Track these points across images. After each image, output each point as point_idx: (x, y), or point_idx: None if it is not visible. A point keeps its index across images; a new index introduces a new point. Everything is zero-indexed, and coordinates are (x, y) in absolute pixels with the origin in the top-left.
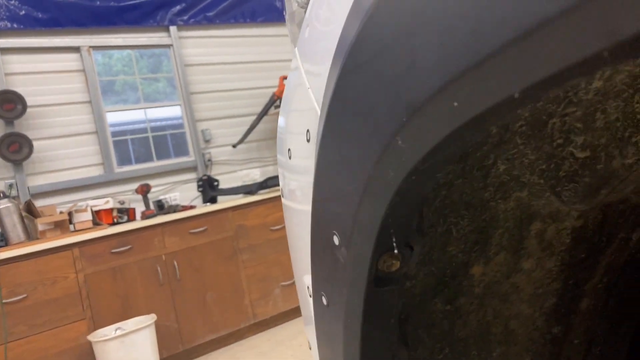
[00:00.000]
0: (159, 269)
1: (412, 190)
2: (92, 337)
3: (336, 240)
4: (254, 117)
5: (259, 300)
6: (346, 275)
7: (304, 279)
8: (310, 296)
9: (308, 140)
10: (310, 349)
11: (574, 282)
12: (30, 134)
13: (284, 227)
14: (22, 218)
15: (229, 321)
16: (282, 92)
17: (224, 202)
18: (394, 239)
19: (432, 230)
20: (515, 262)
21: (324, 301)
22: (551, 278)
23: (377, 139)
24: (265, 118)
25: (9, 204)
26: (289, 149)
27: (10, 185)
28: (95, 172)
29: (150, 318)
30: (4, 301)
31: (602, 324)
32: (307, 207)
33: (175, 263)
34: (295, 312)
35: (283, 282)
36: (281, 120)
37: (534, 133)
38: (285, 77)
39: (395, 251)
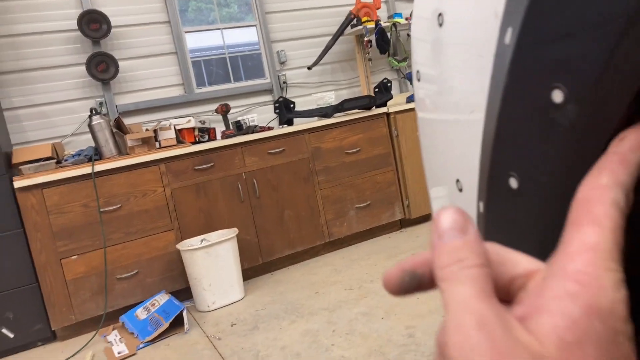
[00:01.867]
0: (239, 186)
1: None
2: (180, 246)
3: (558, 96)
4: (329, 38)
5: (334, 220)
6: (570, 145)
7: (443, 186)
8: (460, 190)
9: None
10: None
11: None
12: (115, 54)
13: (359, 151)
14: (112, 134)
15: (305, 238)
16: (359, 10)
17: (300, 124)
18: None
19: None
20: None
21: (513, 184)
22: None
23: None
24: (340, 39)
25: (101, 120)
26: (439, 14)
27: (101, 104)
28: (176, 92)
29: (233, 232)
30: (101, 210)
31: None
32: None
33: (255, 181)
34: (369, 234)
35: (358, 205)
36: None
37: None
38: None
39: None
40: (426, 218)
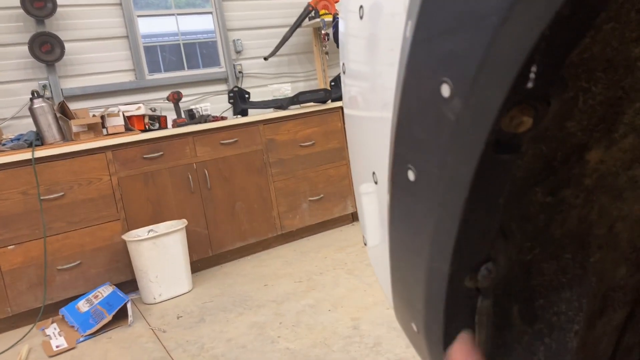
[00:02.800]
0: (190, 176)
1: (574, 17)
2: (126, 237)
3: (446, 90)
4: (287, 29)
5: (287, 213)
6: (455, 137)
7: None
8: (375, 183)
9: None
10: (365, 244)
11: None
12: (61, 35)
13: (313, 144)
14: (56, 119)
15: (257, 231)
16: (317, 2)
17: (254, 115)
18: (534, 78)
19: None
20: None
21: (411, 176)
22: None
23: None
24: (298, 31)
25: (44, 104)
26: (360, 6)
27: (44, 86)
28: (126, 78)
29: (181, 223)
30: (42, 197)
31: None
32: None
33: (206, 172)
34: (321, 227)
35: (311, 197)
36: None
37: None
38: None
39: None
40: None
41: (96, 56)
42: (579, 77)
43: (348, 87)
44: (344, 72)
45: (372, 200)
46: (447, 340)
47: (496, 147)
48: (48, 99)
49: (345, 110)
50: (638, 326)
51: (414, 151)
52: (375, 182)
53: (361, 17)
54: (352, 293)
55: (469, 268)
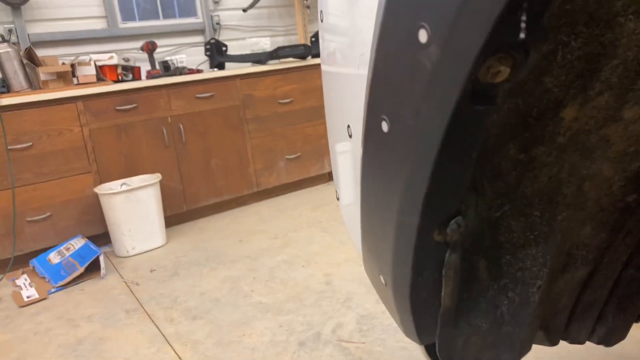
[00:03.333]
0: (164, 130)
1: None
2: (98, 190)
3: (423, 36)
4: None
5: (263, 170)
6: (431, 86)
7: (337, 131)
8: (350, 136)
9: None
10: (337, 199)
11: None
12: None
13: (292, 101)
14: (23, 65)
15: (233, 187)
16: None
17: (231, 69)
18: (522, 25)
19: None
20: (618, 107)
21: (385, 127)
22: None
23: None
24: None
25: (9, 49)
26: None
27: (10, 31)
28: (98, 25)
29: (155, 177)
30: (9, 147)
31: None
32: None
33: (181, 126)
34: (297, 185)
35: (288, 156)
36: None
37: None
38: None
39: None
40: None
41: (65, 0)
42: (560, 29)
43: (326, 41)
44: (321, 21)
45: (346, 154)
46: (414, 292)
47: (472, 97)
48: (14, 44)
49: (323, 67)
50: (598, 284)
51: (388, 101)
52: (350, 136)
53: None
54: (325, 250)
55: (439, 221)
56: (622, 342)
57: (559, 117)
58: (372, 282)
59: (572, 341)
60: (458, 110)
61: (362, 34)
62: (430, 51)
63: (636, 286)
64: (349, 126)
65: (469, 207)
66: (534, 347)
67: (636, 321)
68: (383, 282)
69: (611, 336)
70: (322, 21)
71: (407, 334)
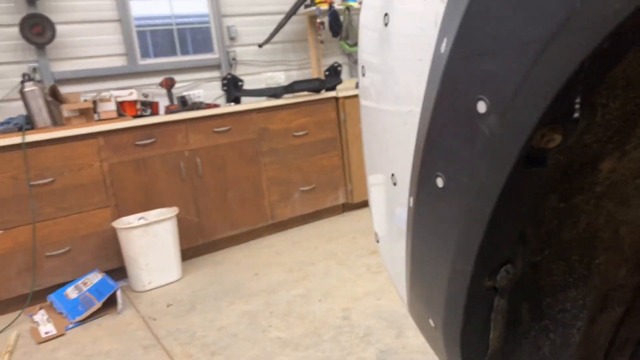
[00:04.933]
0: (181, 164)
1: (613, 46)
2: (116, 224)
3: (482, 107)
4: (282, 16)
5: (278, 202)
6: (488, 150)
7: (379, 176)
8: (394, 184)
9: None
10: (377, 242)
11: None
12: (52, 17)
13: (307, 134)
14: (47, 103)
15: (248, 220)
16: None
17: (247, 103)
18: (577, 101)
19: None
20: None
21: (440, 183)
22: None
23: None
24: (293, 18)
25: (34, 87)
26: (385, 14)
27: (34, 69)
28: (118, 62)
29: (172, 210)
30: (31, 183)
31: None
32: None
33: (198, 160)
34: (312, 217)
35: (302, 187)
36: None
37: None
38: None
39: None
40: (367, 203)
41: (88, 39)
42: (601, 94)
43: (368, 80)
44: (362, 67)
45: (390, 200)
46: (464, 335)
47: (528, 160)
48: (39, 82)
49: (362, 102)
50: (633, 322)
51: (444, 160)
52: (394, 184)
53: (386, 25)
54: (342, 283)
55: (490, 269)
56: None
57: (598, 169)
58: (419, 325)
59: None
60: (513, 172)
61: (409, 97)
62: (489, 121)
63: None
64: (393, 174)
65: (517, 255)
66: None
67: None
68: (432, 325)
69: None
70: (363, 75)
71: None
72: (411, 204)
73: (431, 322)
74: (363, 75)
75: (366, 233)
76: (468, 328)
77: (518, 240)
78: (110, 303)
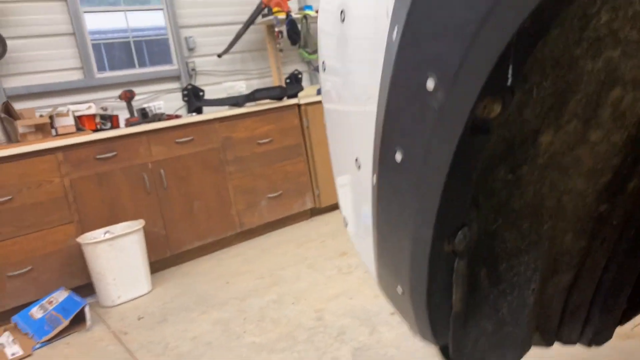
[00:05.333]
0: (145, 176)
1: (535, 23)
2: (81, 240)
3: (431, 84)
4: (240, 26)
5: (246, 210)
6: (439, 123)
7: (344, 164)
8: (359, 168)
9: None
10: (345, 225)
11: (633, 159)
12: (2, 32)
13: (271, 141)
14: (0, 119)
15: (216, 229)
16: (270, 0)
17: (209, 113)
18: (510, 73)
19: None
20: (584, 132)
21: (398, 157)
22: (613, 153)
23: None
24: (251, 28)
25: None
26: (342, 11)
27: None
28: (74, 76)
29: (138, 223)
30: None
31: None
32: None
33: (162, 171)
34: (280, 223)
35: (269, 194)
36: None
37: None
38: None
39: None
40: (335, 207)
41: (41, 54)
42: (534, 73)
43: (329, 83)
44: (323, 70)
45: (355, 183)
46: (430, 297)
47: (473, 129)
48: None
49: (325, 105)
50: (583, 287)
51: (401, 136)
52: (359, 167)
53: (343, 20)
54: (313, 286)
55: (448, 234)
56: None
57: (538, 142)
58: (388, 295)
59: (566, 342)
60: (462, 140)
61: (367, 84)
62: (437, 96)
63: (616, 289)
64: (357, 159)
65: (472, 220)
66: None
67: (620, 323)
68: (400, 291)
69: (599, 336)
70: (324, 70)
71: (424, 337)
72: (374, 181)
73: (399, 288)
74: (324, 70)
75: (335, 236)
76: (433, 290)
77: (472, 206)
78: (78, 320)
